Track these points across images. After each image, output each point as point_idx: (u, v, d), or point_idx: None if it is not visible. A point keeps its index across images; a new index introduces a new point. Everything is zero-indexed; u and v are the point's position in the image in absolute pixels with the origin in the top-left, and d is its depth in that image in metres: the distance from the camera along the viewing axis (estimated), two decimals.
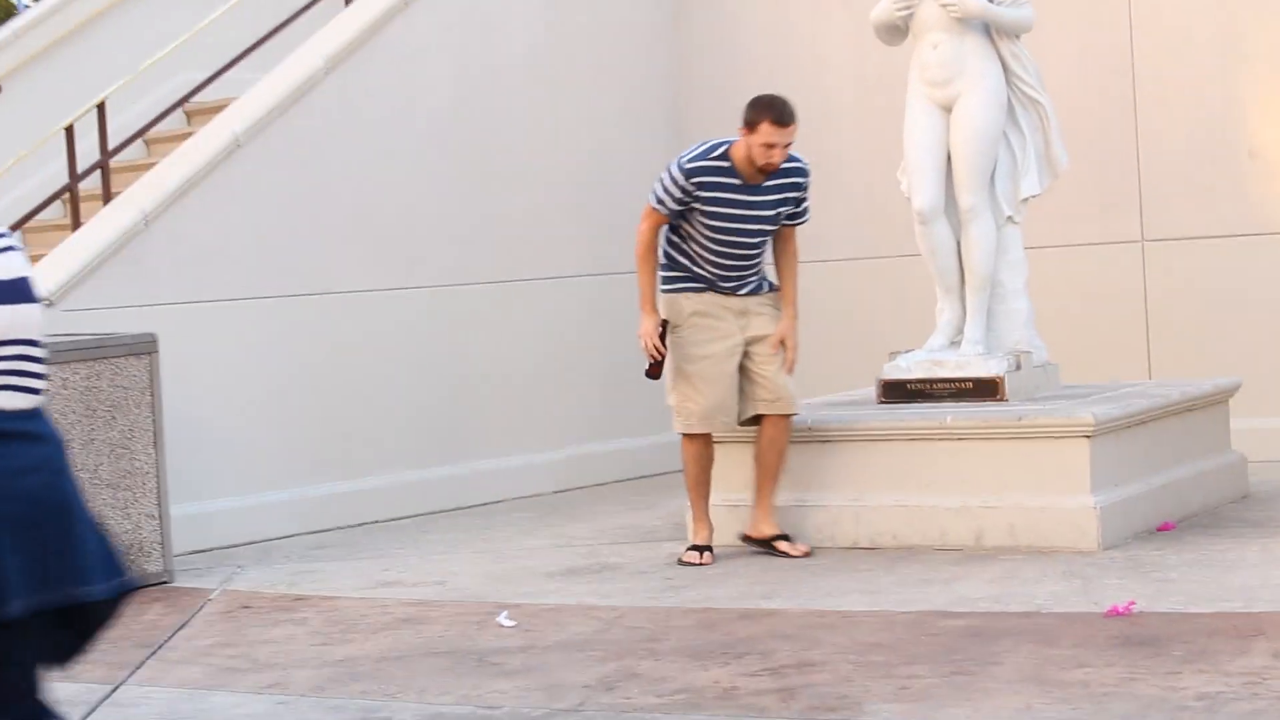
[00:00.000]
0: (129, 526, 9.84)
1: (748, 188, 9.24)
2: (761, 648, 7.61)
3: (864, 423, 9.97)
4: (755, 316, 9.48)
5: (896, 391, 10.20)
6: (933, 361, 10.15)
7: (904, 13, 10.16)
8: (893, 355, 10.35)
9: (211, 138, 11.53)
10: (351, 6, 13.00)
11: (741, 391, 9.45)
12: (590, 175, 13.20)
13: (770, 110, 9.15)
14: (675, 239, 9.42)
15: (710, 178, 9.20)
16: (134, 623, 8.94)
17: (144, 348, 10.04)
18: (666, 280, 9.47)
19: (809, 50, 13.33)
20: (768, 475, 9.44)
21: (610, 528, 10.99)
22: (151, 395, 10.02)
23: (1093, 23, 12.40)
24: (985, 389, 9.93)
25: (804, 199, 9.58)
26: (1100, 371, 11.15)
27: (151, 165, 12.32)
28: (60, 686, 7.65)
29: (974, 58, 10.07)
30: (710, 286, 9.42)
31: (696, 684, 7.09)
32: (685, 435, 9.54)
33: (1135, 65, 12.35)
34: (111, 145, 14.62)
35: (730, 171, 9.22)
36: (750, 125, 9.18)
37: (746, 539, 9.56)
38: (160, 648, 8.42)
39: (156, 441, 10.02)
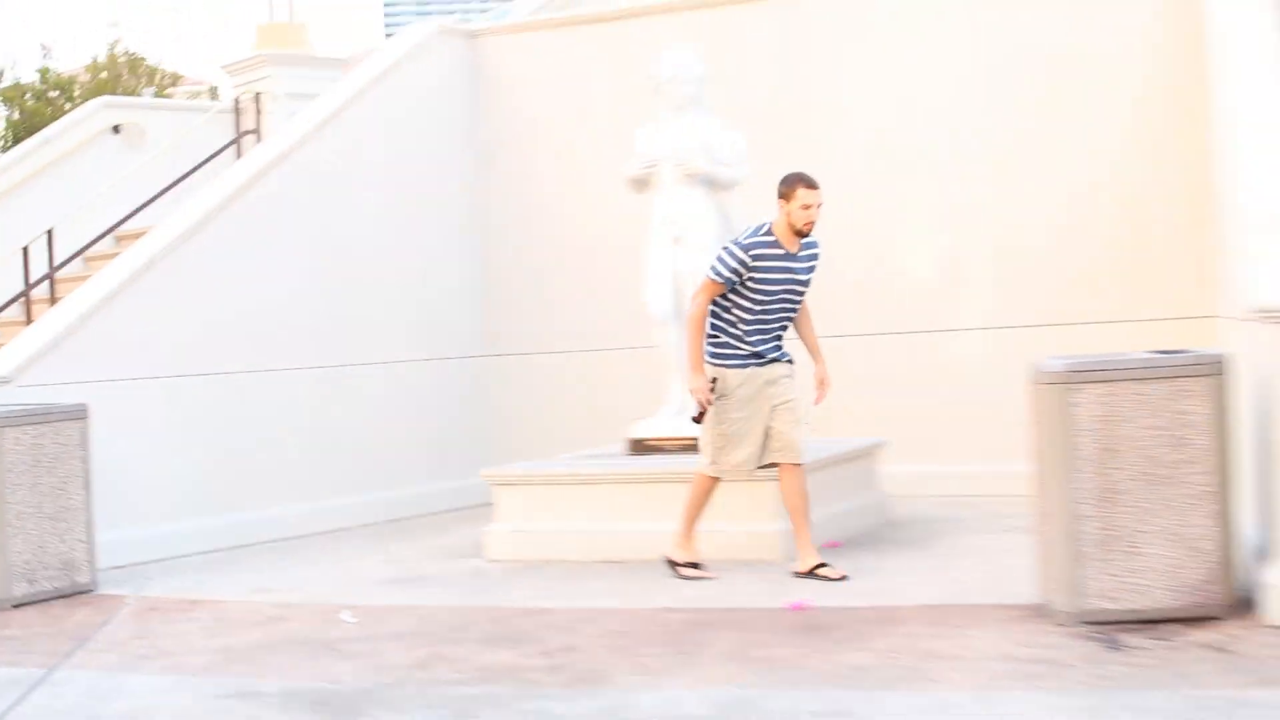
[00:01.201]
0: (65, 548, 9.63)
1: (789, 255, 8.65)
2: (537, 637, 7.62)
3: (616, 469, 10.02)
4: (779, 384, 8.85)
5: (640, 446, 10.28)
6: (666, 425, 10.25)
7: (648, 170, 10.27)
8: (636, 421, 10.44)
9: (134, 257, 11.39)
10: (240, 161, 12.95)
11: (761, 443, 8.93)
12: (419, 281, 13.18)
13: (801, 178, 8.63)
14: (724, 319, 8.78)
15: (763, 250, 8.61)
16: (66, 621, 8.81)
17: (78, 414, 9.85)
18: (716, 355, 8.81)
19: (581, 199, 13.38)
20: (798, 516, 8.84)
21: (427, 548, 10.92)
22: (83, 450, 9.83)
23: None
24: None
25: (818, 259, 8.92)
26: None
27: (87, 277, 12.17)
28: (6, 671, 7.55)
29: (698, 205, 10.19)
30: (751, 360, 8.79)
31: (488, 663, 7.09)
32: (708, 476, 8.96)
33: (827, 209, 12.49)
34: (58, 262, 14.46)
35: (776, 244, 8.63)
36: (787, 195, 8.62)
37: (798, 574, 8.77)
38: (87, 640, 8.24)
39: (87, 484, 9.82)
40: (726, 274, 8.63)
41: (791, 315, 8.89)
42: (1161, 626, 6.93)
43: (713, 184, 10.21)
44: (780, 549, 9.34)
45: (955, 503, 11.36)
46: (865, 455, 10.83)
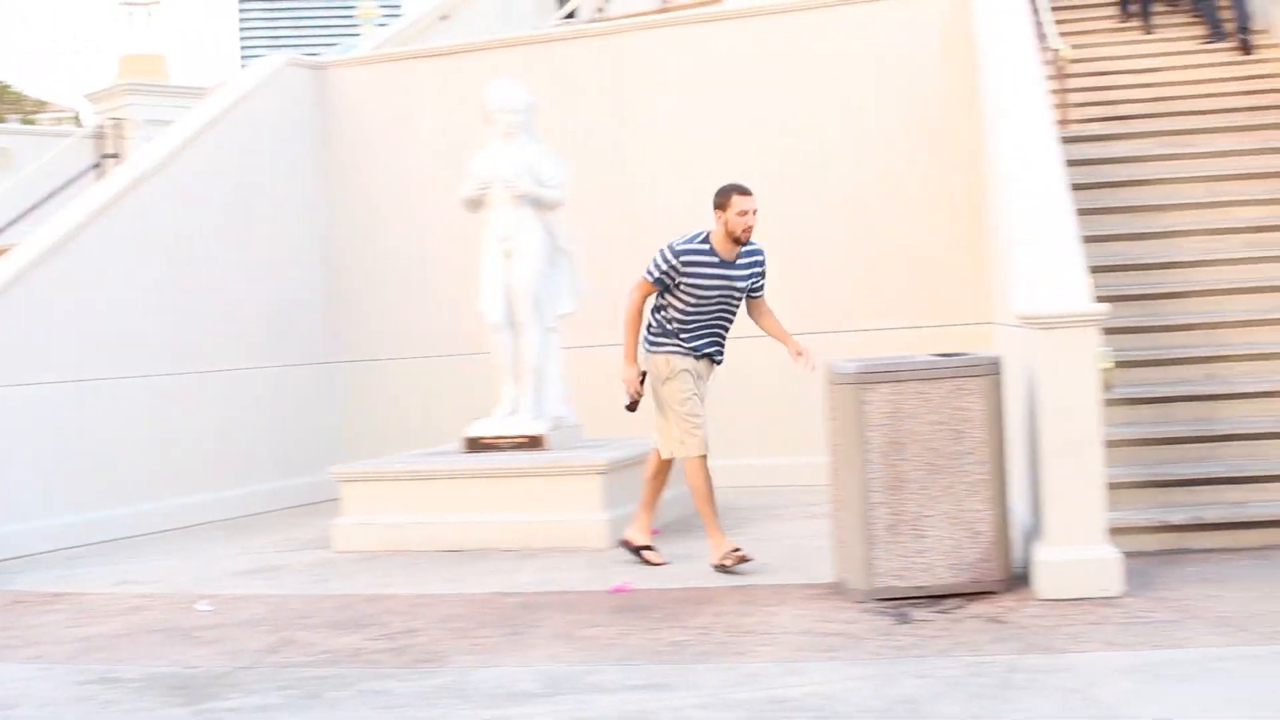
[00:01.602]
0: None
1: (725, 263, 8.18)
2: (380, 620, 7.55)
3: (453, 465, 9.94)
4: (703, 380, 8.51)
5: (475, 445, 10.20)
6: (500, 425, 10.21)
7: (481, 192, 10.23)
8: (473, 421, 10.38)
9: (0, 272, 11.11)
10: (101, 183, 12.64)
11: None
12: (269, 294, 12.97)
13: (735, 187, 8.16)
14: (663, 315, 8.37)
15: (695, 256, 8.15)
16: None
17: None
18: (656, 344, 8.39)
19: (421, 215, 13.28)
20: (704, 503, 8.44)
21: (279, 541, 10.74)
22: None
23: (604, 204, 12.60)
24: (534, 442, 10.03)
25: (764, 273, 8.41)
26: (612, 430, 11.30)
27: None
28: None
29: (527, 222, 10.20)
30: (690, 354, 8.37)
31: (335, 647, 7.00)
32: (695, 458, 8.37)
33: (636, 229, 12.58)
34: None
35: (711, 252, 8.15)
36: (722, 205, 8.13)
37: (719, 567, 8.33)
38: None
39: None
40: (657, 275, 8.26)
41: (728, 317, 8.45)
42: (945, 601, 7.05)
43: (538, 204, 10.21)
44: (606, 537, 9.34)
45: (762, 492, 11.45)
46: None
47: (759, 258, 8.38)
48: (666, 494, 10.23)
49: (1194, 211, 10.42)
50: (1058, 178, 8.46)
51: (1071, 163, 9.81)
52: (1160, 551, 7.96)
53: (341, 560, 9.64)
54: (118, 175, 12.24)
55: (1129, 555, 7.23)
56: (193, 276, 12.21)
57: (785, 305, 11.95)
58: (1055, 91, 11.27)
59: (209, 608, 8.20)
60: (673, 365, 8.37)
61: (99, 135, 16.81)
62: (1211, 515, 8.03)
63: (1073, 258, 7.67)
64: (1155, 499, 8.24)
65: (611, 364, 12.36)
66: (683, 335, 8.37)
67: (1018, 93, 9.53)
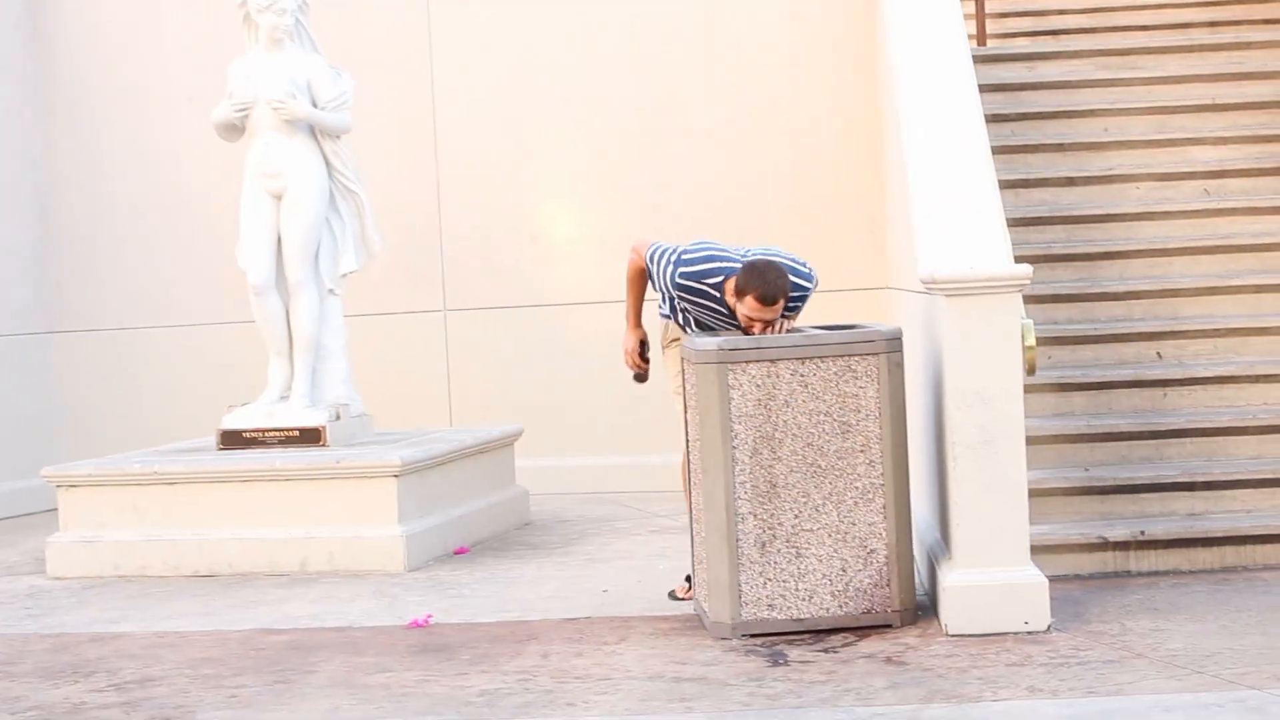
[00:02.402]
0: None
1: (734, 315, 7.52)
2: (108, 666, 7.43)
3: (205, 466, 9.80)
4: None
5: (234, 439, 10.08)
6: (265, 414, 10.11)
7: (240, 114, 10.10)
8: (231, 408, 10.27)
9: None
10: None
11: None
12: None
13: (759, 285, 7.32)
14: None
15: (697, 299, 7.64)
16: None
17: None
18: (666, 310, 7.97)
19: (165, 146, 13.10)
20: None
21: None
22: None
23: (403, 129, 12.53)
24: (310, 436, 9.93)
25: (806, 299, 7.75)
26: (409, 420, 11.28)
27: None
28: None
29: (301, 154, 10.09)
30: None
31: (48, 701, 6.87)
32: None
33: (439, 165, 12.54)
34: None
35: (719, 300, 7.58)
36: (738, 290, 7.37)
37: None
38: None
39: None
40: (654, 276, 7.82)
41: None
42: (830, 637, 7.10)
43: (316, 130, 10.11)
44: (401, 557, 9.29)
45: (598, 500, 11.47)
46: (497, 447, 10.83)
47: (797, 303, 7.69)
48: (479, 503, 10.26)
49: (1139, 151, 10.57)
50: (971, 107, 8.55)
51: (988, 88, 9.94)
52: (1096, 574, 8.10)
53: (57, 589, 9.48)
54: None
55: (1057, 580, 7.36)
56: None
57: (611, 255, 11.99)
58: None
59: None
60: (668, 334, 8.14)
61: None
62: (1159, 530, 8.17)
63: (989, 208, 7.75)
64: (1091, 509, 8.38)
65: (407, 334, 12.40)
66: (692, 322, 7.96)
67: (924, 0, 9.62)
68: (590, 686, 6.60)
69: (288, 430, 9.96)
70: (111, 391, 13.17)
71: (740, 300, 7.39)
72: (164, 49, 13.17)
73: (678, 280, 7.65)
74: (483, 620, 7.96)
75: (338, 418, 10.05)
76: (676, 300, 7.77)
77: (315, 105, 10.06)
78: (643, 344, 8.14)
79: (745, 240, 8.09)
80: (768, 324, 7.41)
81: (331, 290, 10.25)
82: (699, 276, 7.62)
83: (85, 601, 9.03)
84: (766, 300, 7.35)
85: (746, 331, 7.47)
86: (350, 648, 7.53)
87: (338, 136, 10.20)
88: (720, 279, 7.56)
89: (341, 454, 9.72)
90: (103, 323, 13.25)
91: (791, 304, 7.56)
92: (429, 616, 8.04)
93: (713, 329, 7.75)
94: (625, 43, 12.35)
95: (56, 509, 10.06)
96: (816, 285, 7.78)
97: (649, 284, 7.96)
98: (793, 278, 7.51)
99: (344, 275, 10.32)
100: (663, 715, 6.14)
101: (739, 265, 7.51)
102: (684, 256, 7.66)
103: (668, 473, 8.47)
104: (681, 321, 7.95)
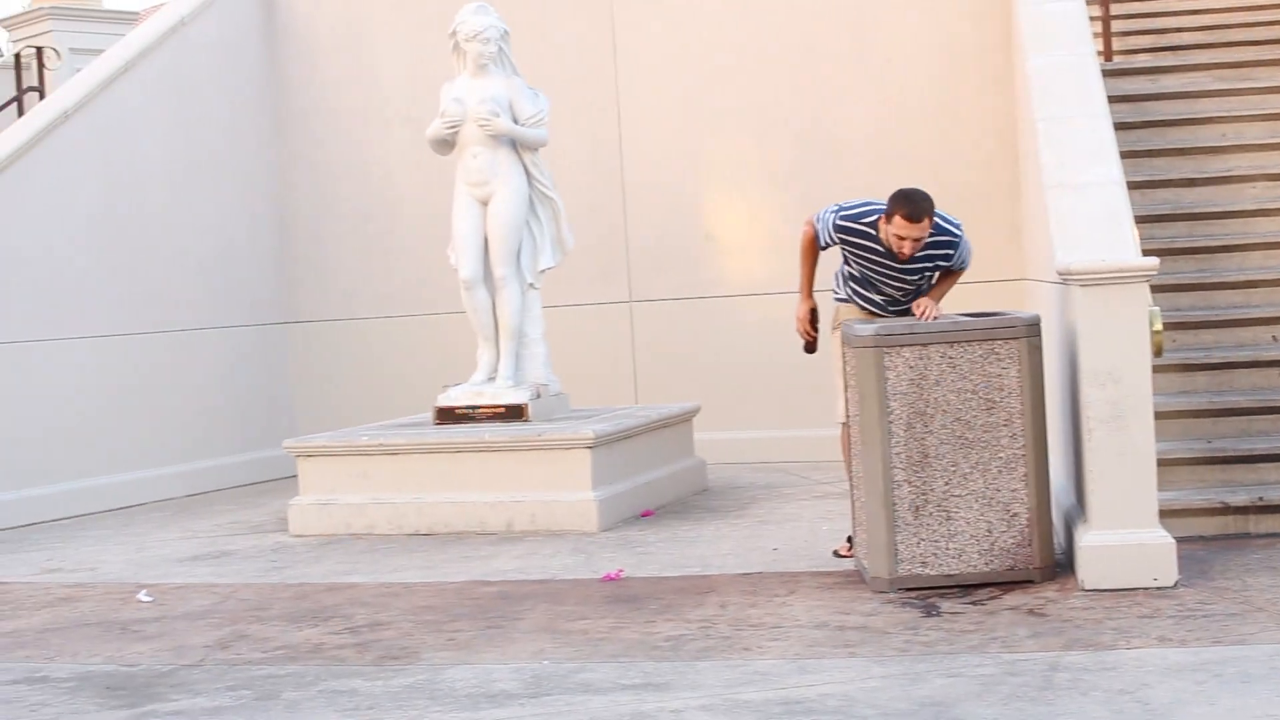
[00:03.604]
0: None
1: (891, 254, 7.55)
2: (343, 612, 7.55)
3: (423, 439, 9.94)
4: None
5: (448, 415, 10.20)
6: (475, 393, 10.20)
7: (451, 131, 10.21)
8: (445, 388, 10.37)
9: None
10: (22, 120, 12.59)
11: None
12: (215, 247, 12.96)
13: (905, 205, 7.37)
14: (849, 267, 7.86)
15: (856, 239, 7.62)
16: None
17: None
18: (837, 289, 7.96)
19: (379, 160, 13.27)
20: None
21: (226, 523, 10.76)
22: None
23: (593, 141, 12.59)
24: (514, 413, 10.02)
25: (954, 255, 7.67)
26: (600, 399, 11.34)
27: None
28: None
29: (504, 165, 10.18)
30: (873, 311, 7.83)
31: (293, 642, 7.00)
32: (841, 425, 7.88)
33: (624, 173, 12.59)
34: None
35: (875, 239, 7.56)
36: (888, 214, 7.42)
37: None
38: None
39: None
40: (820, 231, 7.79)
41: (906, 291, 7.76)
42: (977, 591, 7.05)
43: (517, 144, 10.20)
44: (595, 518, 9.35)
45: (768, 469, 11.45)
46: (678, 422, 10.86)
47: (947, 250, 7.66)
48: (661, 471, 10.29)
49: (1255, 154, 10.39)
50: (1101, 116, 8.44)
51: (1115, 99, 9.80)
52: (1219, 536, 7.96)
53: (298, 545, 9.64)
54: (39, 112, 12.19)
55: (1183, 541, 7.24)
56: (124, 226, 12.19)
57: (776, 250, 11.95)
58: (1098, 19, 11.25)
59: (149, 598, 8.20)
60: (838, 317, 8.01)
61: (18, 65, 16.72)
62: (1277, 495, 8.03)
63: (1119, 206, 7.66)
64: (1213, 477, 8.25)
65: (600, 325, 12.45)
66: (858, 296, 7.93)
67: (1056, 20, 9.51)
68: (764, 633, 6.61)
69: (495, 407, 10.05)
70: (339, 374, 13.37)
71: (889, 222, 7.41)
72: (380, 77, 13.35)
73: (838, 223, 7.66)
74: (667, 574, 7.99)
75: (538, 396, 10.12)
76: (840, 247, 7.72)
77: (516, 122, 10.15)
78: (813, 312, 8.04)
79: None
80: (915, 241, 7.40)
81: (532, 284, 10.34)
82: (855, 218, 7.63)
83: (322, 556, 9.20)
84: (913, 218, 7.36)
85: (897, 255, 7.47)
86: (552, 598, 7.59)
87: (536, 149, 10.28)
88: (874, 218, 7.56)
89: (542, 428, 9.80)
90: (331, 314, 13.46)
91: (942, 254, 7.60)
92: (620, 571, 8.09)
93: (875, 286, 7.72)
94: (788, 61, 12.30)
95: (295, 476, 10.27)
96: (968, 250, 7.73)
97: (819, 254, 7.90)
98: (941, 222, 7.54)
99: (542, 271, 10.39)
100: (829, 659, 6.13)
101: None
102: (842, 205, 7.74)
103: (829, 445, 8.43)
104: (846, 276, 7.88)
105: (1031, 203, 9.80)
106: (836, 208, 7.75)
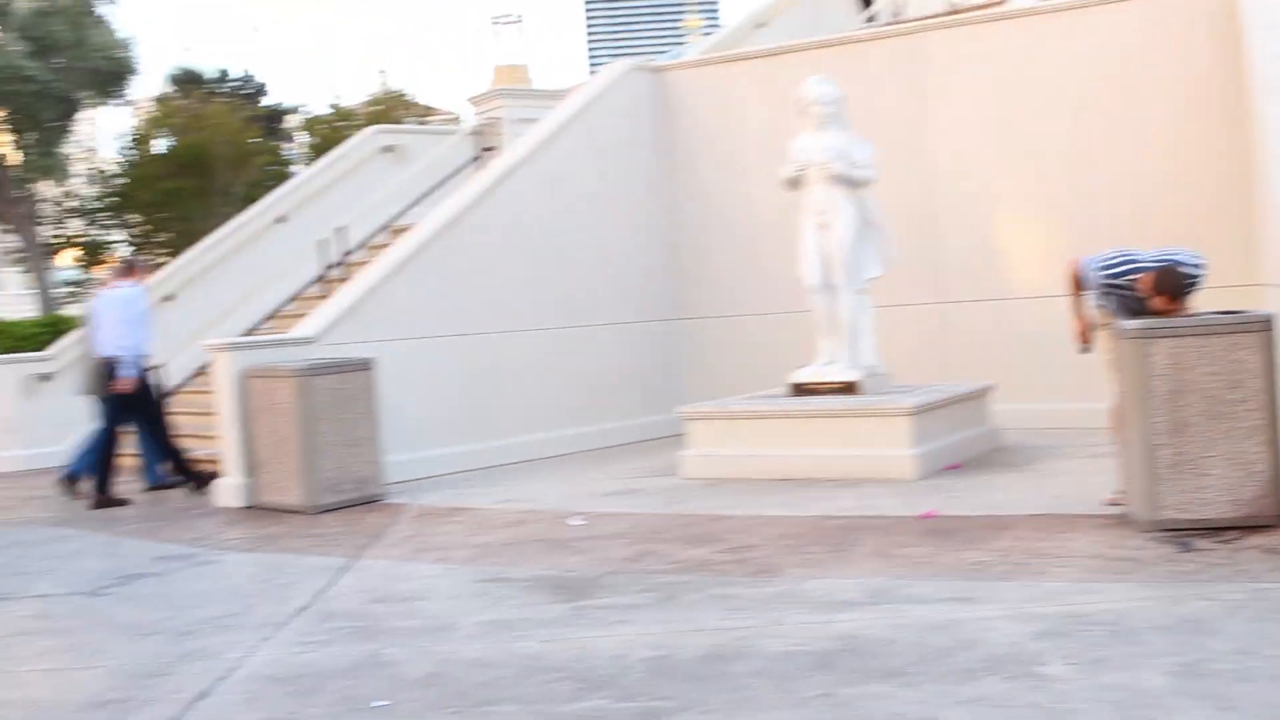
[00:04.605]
0: (359, 468, 9.88)
1: (1144, 299, 7.24)
2: (723, 537, 7.65)
3: (781, 407, 9.98)
4: None
5: (799, 389, 10.23)
6: (819, 373, 10.21)
7: (799, 173, 10.23)
8: (797, 369, 10.39)
9: (404, 247, 11.57)
10: (481, 172, 13.06)
11: None
12: (621, 261, 13.22)
13: (1168, 288, 7.09)
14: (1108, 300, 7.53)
15: (1117, 292, 7.39)
16: (361, 523, 9.02)
17: (367, 366, 10.08)
18: (1101, 304, 7.58)
19: (745, 195, 13.34)
20: None
21: (633, 468, 10.95)
22: (371, 393, 10.05)
23: (909, 176, 12.41)
24: (849, 388, 10.00)
25: (1195, 287, 7.26)
26: (916, 378, 11.18)
27: (369, 263, 12.38)
28: (321, 559, 7.75)
29: (840, 199, 10.14)
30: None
31: (686, 557, 7.13)
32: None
33: (934, 202, 12.39)
34: (349, 249, 14.75)
35: (1131, 289, 7.32)
36: (1154, 289, 7.12)
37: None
38: (378, 538, 8.44)
39: (374, 419, 10.05)
40: (1084, 278, 7.55)
41: None
42: (1224, 533, 6.76)
43: (850, 183, 10.15)
44: (912, 470, 9.26)
45: (1051, 434, 11.15)
46: (977, 396, 10.66)
47: (1190, 286, 7.21)
48: (964, 434, 10.11)
49: None
50: None
51: None
52: None
53: (688, 486, 9.75)
54: (494, 168, 12.63)
55: None
56: (554, 247, 12.51)
57: (1052, 262, 11.63)
58: None
59: (581, 522, 8.44)
60: (1100, 320, 7.69)
61: (478, 132, 17.31)
62: None
63: None
64: None
65: (916, 320, 12.28)
66: (1118, 311, 7.47)
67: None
68: (1051, 561, 6.46)
69: (835, 384, 10.04)
70: (716, 356, 13.46)
71: (1154, 297, 7.14)
72: (744, 131, 13.40)
73: (1102, 280, 7.45)
74: (971, 514, 7.88)
75: (868, 376, 10.07)
76: (1104, 293, 7.49)
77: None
78: (1085, 326, 7.81)
79: (1147, 245, 7.75)
80: (1173, 311, 7.12)
81: (862, 290, 10.27)
82: (1115, 276, 7.41)
83: (706, 494, 9.29)
84: (1175, 297, 7.13)
85: (1160, 315, 7.14)
86: (881, 530, 7.56)
87: (864, 186, 10.21)
88: (1131, 274, 7.33)
89: (872, 400, 9.74)
90: (710, 312, 13.56)
91: (1188, 286, 7.23)
92: (935, 510, 8.00)
93: (1134, 311, 7.38)
94: (1063, 111, 11.92)
95: (684, 433, 10.40)
96: (1206, 273, 7.37)
97: (1082, 285, 7.67)
98: (1189, 268, 7.23)
99: (870, 279, 10.32)
100: (1104, 583, 5.98)
101: (1145, 263, 7.29)
102: (1104, 262, 7.49)
103: (1099, 416, 8.17)
104: (1110, 308, 7.64)
105: (1265, 222, 9.29)
106: (1099, 264, 7.48)
